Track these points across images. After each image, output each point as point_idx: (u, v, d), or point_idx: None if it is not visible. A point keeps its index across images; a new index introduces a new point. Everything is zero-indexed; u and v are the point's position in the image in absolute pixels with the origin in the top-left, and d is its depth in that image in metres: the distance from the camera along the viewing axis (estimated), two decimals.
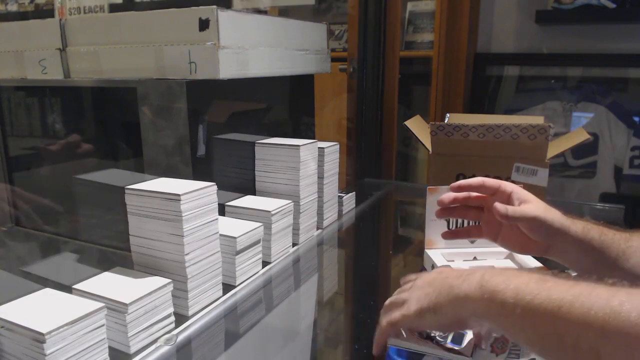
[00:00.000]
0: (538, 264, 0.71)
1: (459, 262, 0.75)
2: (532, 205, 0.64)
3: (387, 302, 0.58)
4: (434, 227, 0.75)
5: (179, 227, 0.65)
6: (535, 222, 0.62)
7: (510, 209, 0.63)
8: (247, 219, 0.84)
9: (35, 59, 0.94)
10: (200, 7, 0.78)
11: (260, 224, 0.81)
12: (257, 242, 0.81)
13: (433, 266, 0.71)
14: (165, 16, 0.82)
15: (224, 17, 0.79)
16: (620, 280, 0.41)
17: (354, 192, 1.17)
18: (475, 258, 0.76)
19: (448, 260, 0.74)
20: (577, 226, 0.62)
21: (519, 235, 0.64)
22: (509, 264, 0.74)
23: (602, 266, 0.60)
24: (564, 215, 0.63)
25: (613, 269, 0.60)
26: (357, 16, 1.47)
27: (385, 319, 0.55)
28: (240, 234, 0.76)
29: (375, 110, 1.53)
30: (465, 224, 0.75)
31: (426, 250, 0.76)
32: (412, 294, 0.54)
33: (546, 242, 0.63)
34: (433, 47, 1.62)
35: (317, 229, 1.02)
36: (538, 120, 1.08)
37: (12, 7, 1.67)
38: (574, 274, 0.63)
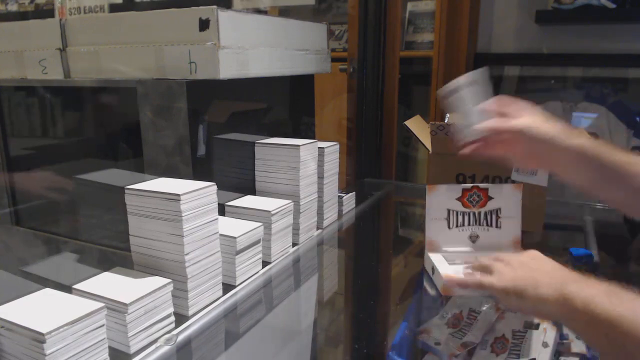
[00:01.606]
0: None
1: (460, 264, 0.73)
2: (523, 119, 0.67)
3: (481, 262, 0.62)
4: (435, 227, 0.74)
5: (178, 227, 0.65)
6: (523, 134, 0.65)
7: (498, 122, 0.67)
8: (247, 219, 0.84)
9: (36, 59, 0.94)
10: (200, 7, 0.78)
11: (260, 224, 0.81)
12: (257, 242, 0.81)
13: (433, 269, 0.69)
14: (165, 16, 0.82)
15: (224, 17, 0.79)
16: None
17: (354, 192, 1.17)
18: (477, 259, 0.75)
19: (450, 263, 0.72)
20: (574, 140, 0.64)
21: (522, 148, 0.67)
22: None
23: (605, 182, 0.64)
24: (563, 128, 0.65)
25: (617, 183, 0.63)
26: (357, 16, 1.47)
27: (476, 277, 0.60)
28: (240, 234, 0.76)
29: (375, 110, 1.53)
30: (467, 227, 0.75)
31: (427, 252, 0.75)
32: (505, 270, 0.59)
33: (542, 153, 0.66)
34: (433, 47, 1.61)
35: (317, 229, 1.02)
36: None
37: (12, 7, 1.67)
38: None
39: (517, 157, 0.70)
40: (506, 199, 0.74)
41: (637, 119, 1.48)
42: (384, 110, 1.55)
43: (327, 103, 1.67)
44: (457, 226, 0.74)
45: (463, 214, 0.73)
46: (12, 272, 0.67)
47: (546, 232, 1.05)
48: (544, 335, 0.63)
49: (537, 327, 0.64)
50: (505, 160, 0.70)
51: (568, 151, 0.64)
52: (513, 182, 0.98)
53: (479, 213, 0.73)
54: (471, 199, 0.72)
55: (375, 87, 1.52)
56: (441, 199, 0.72)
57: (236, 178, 0.96)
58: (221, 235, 0.74)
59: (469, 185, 0.71)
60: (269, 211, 0.84)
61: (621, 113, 1.49)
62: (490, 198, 0.72)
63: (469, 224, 0.73)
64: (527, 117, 0.67)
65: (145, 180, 0.71)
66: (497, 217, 0.74)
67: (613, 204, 0.69)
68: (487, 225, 0.74)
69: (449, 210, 0.72)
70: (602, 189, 0.66)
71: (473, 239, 0.74)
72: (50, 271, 0.81)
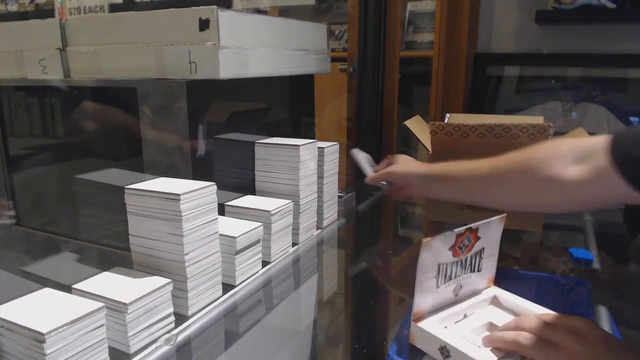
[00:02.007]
0: (520, 303, 0.66)
1: (451, 324, 0.63)
2: (395, 166, 0.91)
3: (531, 326, 0.55)
4: (425, 291, 0.62)
5: (178, 226, 0.65)
6: (394, 176, 0.90)
7: (372, 175, 0.94)
8: (247, 218, 0.84)
9: (35, 58, 0.94)
10: (200, 7, 0.78)
11: (260, 223, 0.81)
12: (256, 242, 0.81)
13: (445, 348, 0.58)
14: (165, 16, 0.82)
15: (224, 17, 0.79)
16: None
17: (353, 192, 1.17)
18: (465, 315, 0.66)
19: (445, 327, 0.62)
20: (436, 168, 0.83)
21: (410, 188, 0.89)
22: (494, 309, 0.68)
23: (471, 192, 0.78)
24: (422, 164, 0.89)
25: (477, 190, 0.77)
26: (357, 16, 1.47)
27: (532, 347, 0.53)
28: (240, 234, 0.76)
29: (375, 110, 1.53)
30: (453, 279, 0.64)
31: (418, 324, 0.62)
32: (582, 356, 0.50)
33: (420, 187, 0.86)
34: (433, 47, 1.62)
35: (317, 228, 1.02)
36: (538, 120, 1.08)
37: (12, 7, 1.67)
38: None
39: (414, 195, 0.91)
40: (490, 236, 0.67)
41: (631, 118, 1.48)
42: (384, 110, 1.55)
43: (327, 103, 1.67)
44: (445, 282, 0.63)
45: (452, 265, 0.64)
46: (12, 271, 0.67)
47: (546, 232, 1.05)
48: None
49: None
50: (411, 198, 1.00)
51: (426, 177, 0.84)
52: None
53: (466, 259, 0.66)
54: (462, 245, 0.64)
55: (375, 87, 1.52)
56: (434, 253, 0.62)
57: (236, 178, 0.96)
58: (221, 235, 0.74)
59: (462, 229, 0.64)
60: (269, 211, 0.84)
61: (621, 113, 1.49)
62: (479, 238, 0.66)
63: (455, 276, 0.66)
64: (393, 165, 0.91)
65: (145, 180, 0.71)
66: (480, 258, 0.68)
67: (500, 206, 0.76)
68: (471, 271, 0.68)
69: (439, 266, 0.65)
70: (479, 199, 0.80)
71: (456, 291, 0.66)
72: (50, 271, 0.81)
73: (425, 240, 0.58)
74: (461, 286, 0.66)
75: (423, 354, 0.60)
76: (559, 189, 0.66)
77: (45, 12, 1.43)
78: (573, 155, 0.66)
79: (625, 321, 0.70)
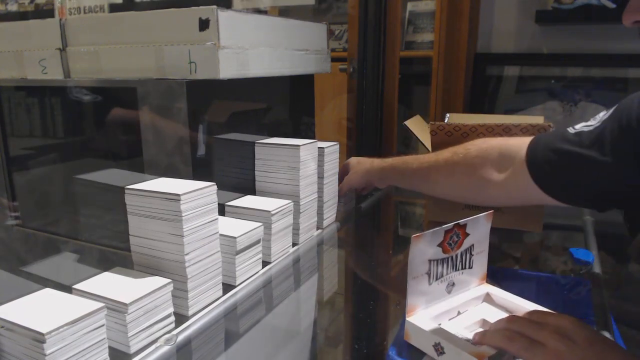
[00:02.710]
0: (513, 300, 0.66)
1: (445, 322, 0.64)
2: (350, 174, 1.07)
3: (519, 325, 0.56)
4: (416, 287, 0.62)
5: (179, 227, 0.65)
6: (353, 183, 1.07)
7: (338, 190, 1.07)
8: (247, 219, 0.84)
9: (35, 59, 0.94)
10: (200, 7, 0.78)
11: (260, 223, 0.81)
12: (257, 242, 0.81)
13: (439, 344, 0.58)
14: (165, 16, 0.82)
15: (224, 17, 0.79)
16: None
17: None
18: (459, 312, 0.66)
19: (439, 324, 0.62)
20: (387, 162, 1.00)
21: (369, 185, 1.08)
22: (487, 307, 0.67)
23: (418, 183, 0.95)
24: (381, 160, 1.03)
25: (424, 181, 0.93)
26: (357, 16, 1.47)
27: (519, 347, 0.53)
28: (240, 234, 0.76)
29: (375, 110, 1.53)
30: (445, 277, 0.65)
31: (409, 319, 0.62)
32: (567, 356, 0.49)
33: (375, 182, 1.06)
34: (433, 47, 1.62)
35: (317, 229, 1.02)
36: (538, 120, 1.08)
37: (12, 7, 1.67)
38: None
39: (380, 186, 1.09)
40: (479, 233, 0.67)
41: None
42: (384, 110, 1.55)
43: (327, 103, 1.67)
44: (436, 279, 0.64)
45: (443, 261, 0.64)
46: (12, 272, 0.67)
47: (546, 232, 1.05)
48: None
49: None
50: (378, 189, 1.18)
51: (381, 171, 1.00)
52: None
53: (456, 256, 0.65)
54: (451, 241, 0.64)
55: (375, 87, 1.52)
56: (424, 249, 0.62)
57: (236, 178, 0.96)
58: (221, 235, 0.74)
59: (450, 225, 0.64)
60: (269, 211, 0.84)
61: None
62: (467, 235, 0.67)
63: (447, 273, 0.67)
64: (349, 174, 1.07)
65: (145, 180, 0.71)
66: (471, 255, 0.68)
67: (450, 197, 0.92)
68: (462, 268, 0.68)
69: (430, 262, 0.65)
70: (422, 188, 0.94)
71: (449, 289, 0.66)
72: (50, 271, 0.81)
73: (414, 236, 0.59)
74: (454, 283, 0.67)
75: (423, 354, 0.60)
76: (486, 188, 0.80)
77: (45, 12, 1.43)
78: (500, 160, 0.78)
79: (625, 321, 0.70)
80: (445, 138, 1.00)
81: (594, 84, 1.53)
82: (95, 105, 0.95)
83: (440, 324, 0.62)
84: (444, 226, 0.61)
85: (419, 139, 1.12)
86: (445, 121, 1.16)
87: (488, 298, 0.69)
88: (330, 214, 1.06)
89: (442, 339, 0.58)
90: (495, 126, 0.96)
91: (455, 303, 0.66)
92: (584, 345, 0.49)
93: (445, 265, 0.64)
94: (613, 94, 1.51)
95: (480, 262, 0.69)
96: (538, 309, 0.62)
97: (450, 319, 0.65)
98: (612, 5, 1.36)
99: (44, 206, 0.98)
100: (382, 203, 1.34)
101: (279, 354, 0.67)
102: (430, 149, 1.05)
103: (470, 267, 0.68)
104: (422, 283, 0.63)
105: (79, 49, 0.90)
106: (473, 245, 0.67)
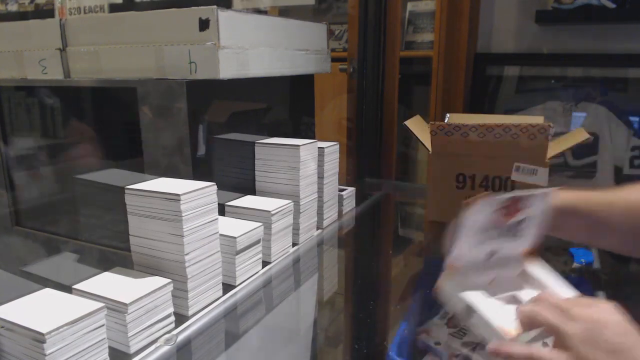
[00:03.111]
0: (551, 280, 0.64)
1: (480, 288, 0.61)
2: None
3: (529, 314, 0.52)
4: (462, 249, 0.61)
5: (179, 227, 0.65)
6: None
7: None
8: (247, 218, 0.84)
9: (35, 59, 0.94)
10: (200, 7, 0.78)
11: (260, 223, 0.81)
12: (257, 242, 0.81)
13: (470, 308, 0.56)
14: (165, 16, 0.82)
15: (224, 17, 0.79)
16: None
17: (354, 188, 1.17)
18: (495, 282, 0.64)
19: (473, 289, 0.60)
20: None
21: None
22: (523, 282, 0.65)
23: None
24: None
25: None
26: (357, 16, 1.47)
27: (527, 350, 0.49)
28: (240, 234, 0.76)
29: (375, 110, 1.53)
30: (489, 243, 0.64)
31: (448, 280, 0.61)
32: (581, 348, 0.45)
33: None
34: (433, 47, 1.61)
35: (317, 229, 1.02)
36: (538, 120, 1.08)
37: (12, 7, 1.67)
38: None
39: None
40: (534, 208, 0.67)
41: (631, 118, 1.48)
42: (384, 110, 1.55)
43: (327, 103, 1.67)
44: (481, 244, 0.63)
45: (492, 230, 0.64)
46: (12, 272, 0.67)
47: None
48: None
49: None
50: None
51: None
52: (513, 182, 0.98)
53: (506, 227, 0.66)
54: (505, 211, 0.65)
55: (375, 87, 1.52)
56: (476, 215, 0.62)
57: (236, 178, 0.96)
58: (221, 235, 0.74)
59: (507, 195, 0.63)
60: (269, 211, 0.84)
61: (621, 113, 1.49)
62: (522, 209, 0.66)
63: (493, 241, 0.66)
64: None
65: (145, 180, 0.71)
66: (520, 228, 0.67)
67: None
68: (509, 240, 0.67)
69: (480, 227, 0.63)
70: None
71: (491, 256, 0.64)
72: (50, 271, 0.81)
73: (465, 201, 0.60)
74: (497, 252, 0.65)
75: (423, 354, 0.60)
76: None
77: (45, 12, 1.43)
78: None
79: None
80: (445, 138, 1.00)
81: (594, 84, 1.53)
82: (95, 105, 0.95)
83: (474, 289, 0.61)
84: (498, 197, 0.60)
85: (419, 139, 1.12)
86: (445, 121, 1.16)
87: (526, 273, 0.67)
88: (330, 214, 1.06)
89: (474, 303, 0.57)
90: (495, 126, 0.96)
91: (494, 272, 0.65)
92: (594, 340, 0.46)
93: (493, 234, 0.63)
94: (613, 94, 1.50)
95: (528, 237, 0.67)
96: (574, 294, 0.59)
97: (485, 287, 0.63)
98: (612, 5, 1.36)
99: (44, 206, 0.98)
100: (382, 203, 1.34)
101: (279, 354, 0.67)
102: (430, 149, 1.05)
103: (517, 240, 0.66)
104: (467, 246, 0.61)
105: (79, 49, 0.90)
106: (525, 219, 0.65)
